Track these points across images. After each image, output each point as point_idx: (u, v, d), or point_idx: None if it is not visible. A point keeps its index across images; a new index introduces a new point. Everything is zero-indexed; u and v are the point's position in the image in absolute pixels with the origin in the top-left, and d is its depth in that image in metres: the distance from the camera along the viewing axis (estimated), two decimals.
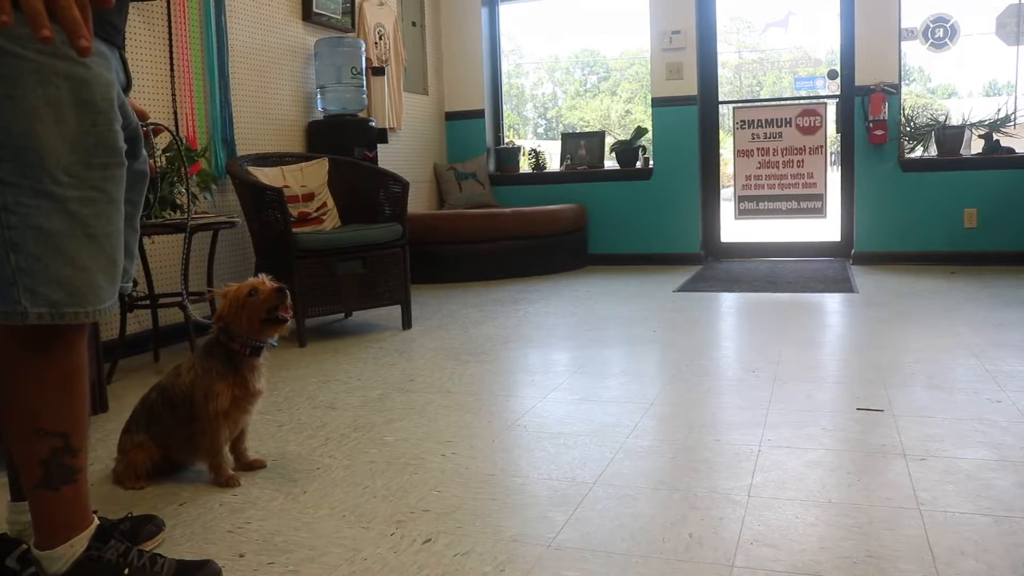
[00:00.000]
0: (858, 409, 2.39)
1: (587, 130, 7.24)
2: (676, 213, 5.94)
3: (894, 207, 5.51)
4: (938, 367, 2.83)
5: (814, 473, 1.90)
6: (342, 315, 4.24)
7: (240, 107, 4.19)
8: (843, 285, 4.71)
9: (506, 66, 6.82)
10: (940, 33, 5.71)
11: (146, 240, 3.27)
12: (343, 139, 4.60)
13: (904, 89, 5.68)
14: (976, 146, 5.48)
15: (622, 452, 2.09)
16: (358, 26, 5.20)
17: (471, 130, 6.41)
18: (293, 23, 4.64)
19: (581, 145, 6.37)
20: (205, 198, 3.68)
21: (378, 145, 4.83)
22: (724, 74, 6.59)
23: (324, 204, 4.02)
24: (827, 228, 6.19)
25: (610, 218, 6.08)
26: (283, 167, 3.98)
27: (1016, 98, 5.68)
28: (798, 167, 5.81)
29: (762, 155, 5.86)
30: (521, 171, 6.49)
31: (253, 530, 1.71)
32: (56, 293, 1.24)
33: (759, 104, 6.09)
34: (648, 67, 6.13)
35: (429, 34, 6.23)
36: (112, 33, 1.34)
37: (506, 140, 6.65)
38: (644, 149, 6.14)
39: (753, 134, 5.86)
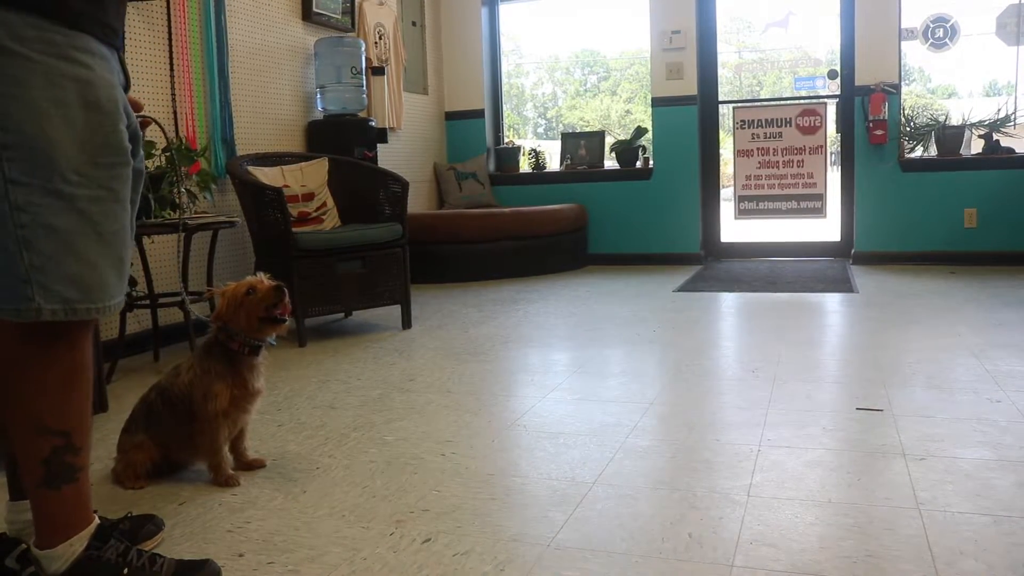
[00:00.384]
0: (858, 409, 2.39)
1: (587, 130, 7.24)
2: (676, 213, 5.94)
3: (894, 207, 5.51)
4: (938, 367, 2.83)
5: (814, 473, 1.90)
6: (342, 315, 4.24)
7: (240, 107, 4.19)
8: (843, 285, 4.71)
9: (506, 66, 6.82)
10: (940, 33, 5.71)
11: (145, 240, 3.27)
12: (343, 139, 4.60)
13: (904, 89, 5.68)
14: (976, 146, 5.48)
15: (622, 452, 2.09)
16: (358, 26, 5.20)
17: (471, 130, 6.41)
18: (293, 23, 4.64)
19: (581, 145, 6.37)
20: (205, 198, 3.68)
21: (378, 145, 4.83)
22: (724, 74, 6.59)
23: (324, 204, 4.02)
24: (827, 228, 6.19)
25: (610, 218, 6.08)
26: (283, 167, 3.98)
27: (1016, 98, 5.68)
28: (798, 167, 5.81)
29: (762, 155, 5.86)
30: (521, 171, 6.48)
31: (253, 530, 1.71)
32: (68, 290, 1.26)
33: (759, 104, 6.09)
34: (648, 67, 6.13)
35: (429, 34, 6.23)
36: (111, 36, 1.36)
37: (506, 140, 6.65)
38: (644, 149, 6.14)
39: (753, 134, 5.86)
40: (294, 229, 3.53)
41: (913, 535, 1.56)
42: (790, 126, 5.79)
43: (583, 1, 7.61)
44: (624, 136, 6.27)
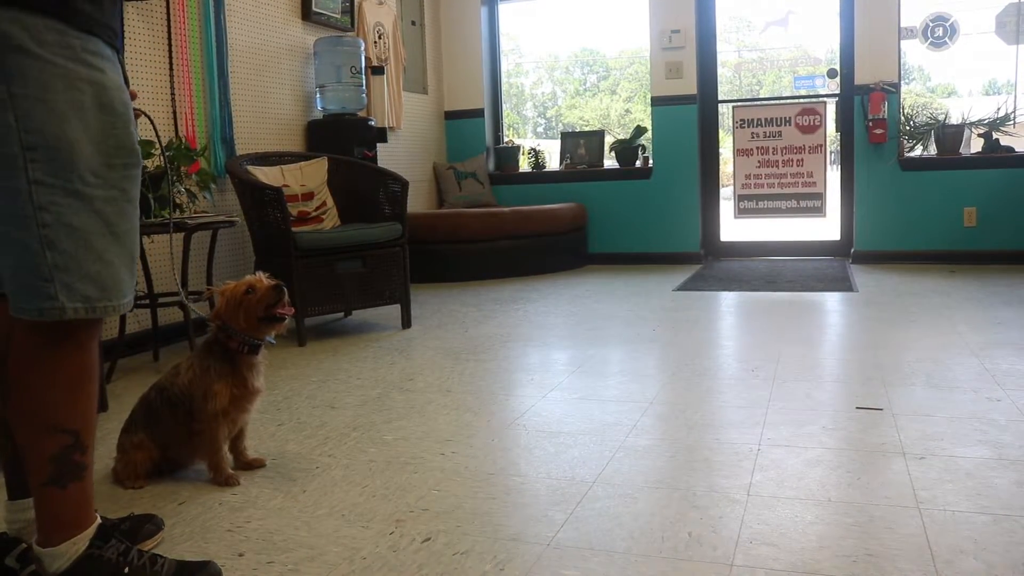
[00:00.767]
0: (857, 408, 2.39)
1: (587, 129, 7.24)
2: (676, 212, 5.94)
3: (894, 206, 5.51)
4: (937, 366, 2.83)
5: (813, 472, 1.90)
6: (342, 314, 4.24)
7: (239, 106, 4.19)
8: (843, 284, 4.71)
9: (506, 65, 6.82)
10: (940, 32, 5.71)
11: (145, 240, 3.27)
12: (342, 138, 4.59)
13: (904, 88, 5.68)
14: (976, 145, 5.48)
15: (621, 451, 2.09)
16: (357, 25, 5.20)
17: (470, 129, 6.41)
18: (293, 22, 4.64)
19: (581, 144, 6.37)
20: (204, 197, 3.68)
21: (377, 144, 4.83)
22: (724, 73, 6.58)
23: (324, 203, 4.02)
24: (827, 227, 6.19)
25: (610, 217, 6.08)
26: (282, 166, 3.98)
27: (1015, 97, 5.68)
28: (798, 166, 5.81)
29: (762, 154, 5.86)
30: (520, 170, 6.48)
31: (252, 529, 1.71)
32: (89, 288, 1.29)
33: (759, 103, 6.09)
34: (648, 66, 6.12)
35: (429, 33, 6.23)
36: (113, 37, 1.38)
37: (506, 139, 6.65)
38: (644, 148, 6.14)
39: (753, 133, 5.86)
40: (294, 229, 3.53)
41: (913, 534, 1.56)
42: (790, 125, 5.79)
43: (583, 0, 7.61)
44: (624, 135, 6.27)
